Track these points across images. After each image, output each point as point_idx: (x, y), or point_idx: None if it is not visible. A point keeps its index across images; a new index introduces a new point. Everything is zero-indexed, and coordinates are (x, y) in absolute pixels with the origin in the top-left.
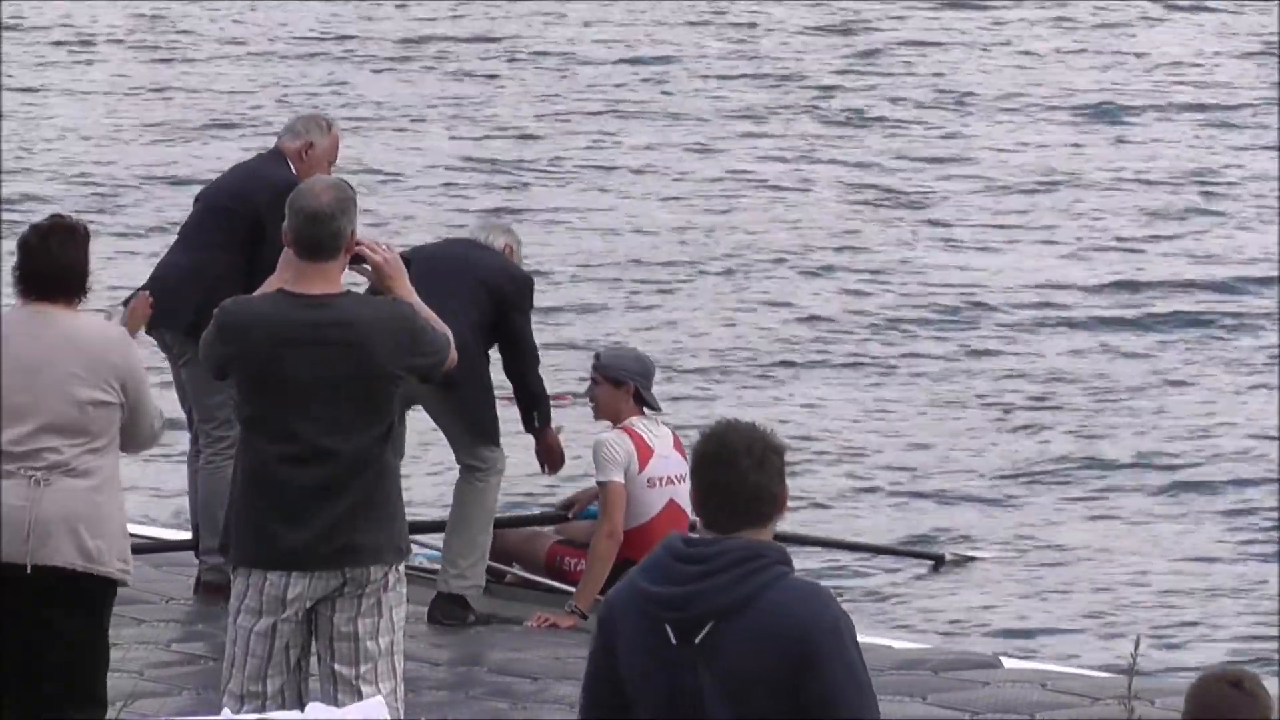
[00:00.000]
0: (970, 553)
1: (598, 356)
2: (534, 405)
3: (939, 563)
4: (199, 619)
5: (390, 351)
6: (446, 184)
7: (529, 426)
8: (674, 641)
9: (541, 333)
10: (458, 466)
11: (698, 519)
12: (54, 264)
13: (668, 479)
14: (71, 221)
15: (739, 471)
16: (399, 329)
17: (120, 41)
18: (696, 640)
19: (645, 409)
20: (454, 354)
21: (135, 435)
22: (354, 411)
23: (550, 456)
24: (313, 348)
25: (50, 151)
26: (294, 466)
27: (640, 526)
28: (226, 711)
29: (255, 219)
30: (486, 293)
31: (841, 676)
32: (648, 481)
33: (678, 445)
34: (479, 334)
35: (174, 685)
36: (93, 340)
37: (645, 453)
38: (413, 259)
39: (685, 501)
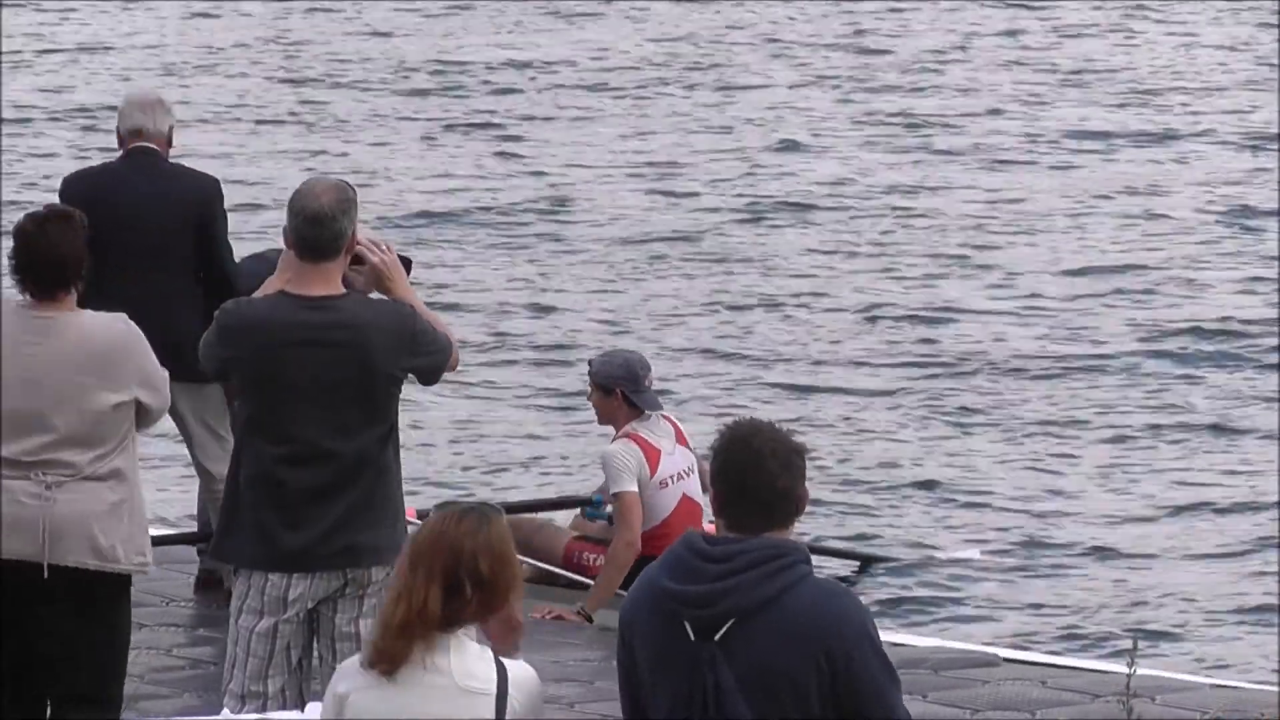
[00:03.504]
0: (971, 552)
1: (590, 364)
2: None
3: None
4: (200, 622)
5: (391, 352)
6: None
7: None
8: (692, 638)
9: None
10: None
11: (720, 520)
12: (53, 252)
13: (678, 475)
14: (68, 209)
15: (768, 475)
16: (399, 330)
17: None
18: (715, 637)
19: (643, 411)
20: (457, 354)
21: (149, 416)
22: (355, 413)
23: None
24: (314, 349)
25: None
26: (295, 468)
27: (658, 525)
28: (227, 711)
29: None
30: None
31: (875, 673)
32: (660, 484)
33: (680, 437)
34: None
35: (175, 688)
36: (105, 342)
37: (653, 456)
38: None
39: (697, 492)
